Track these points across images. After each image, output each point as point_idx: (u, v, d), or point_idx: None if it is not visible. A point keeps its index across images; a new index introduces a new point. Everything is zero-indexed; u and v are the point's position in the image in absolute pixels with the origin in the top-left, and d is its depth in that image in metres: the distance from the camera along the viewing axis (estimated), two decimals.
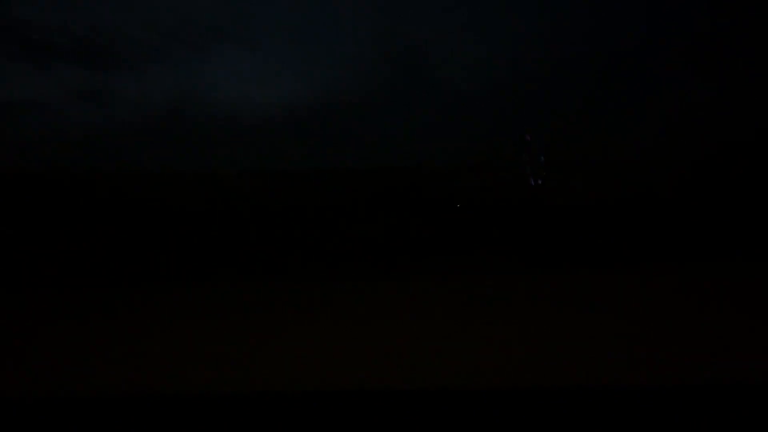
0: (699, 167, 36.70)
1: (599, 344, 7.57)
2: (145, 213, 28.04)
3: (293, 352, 7.57)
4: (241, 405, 2.33)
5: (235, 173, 38.41)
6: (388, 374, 6.15)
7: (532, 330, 8.68)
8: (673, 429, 1.98)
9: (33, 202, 27.02)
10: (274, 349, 7.81)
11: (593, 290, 12.68)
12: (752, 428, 1.92)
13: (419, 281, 14.68)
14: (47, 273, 17.88)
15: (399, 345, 7.91)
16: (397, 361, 6.90)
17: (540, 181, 55.63)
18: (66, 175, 33.00)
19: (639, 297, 11.48)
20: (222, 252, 24.79)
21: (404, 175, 40.63)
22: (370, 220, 30.64)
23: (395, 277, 15.85)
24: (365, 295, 12.99)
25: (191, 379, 6.05)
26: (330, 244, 23.62)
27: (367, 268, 17.36)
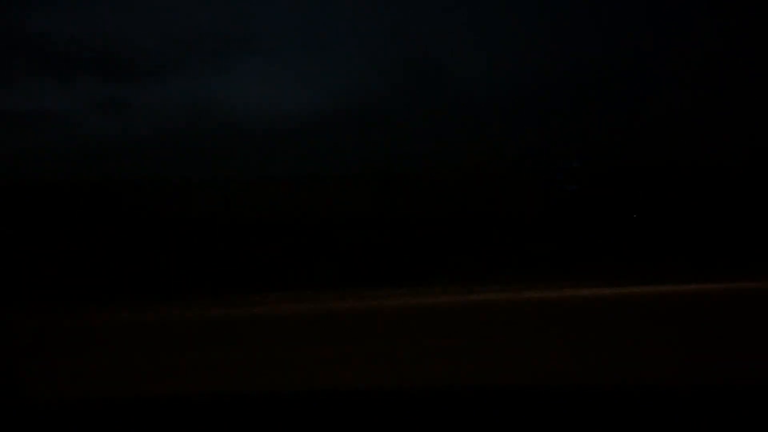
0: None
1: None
2: (163, 221, 27.85)
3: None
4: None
5: (253, 181, 38.19)
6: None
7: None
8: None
9: (53, 212, 27.04)
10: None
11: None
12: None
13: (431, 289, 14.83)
14: (62, 282, 17.34)
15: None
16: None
17: (575, 188, 54.73)
18: (86, 184, 33.09)
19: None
20: (238, 261, 24.50)
21: (419, 180, 40.09)
22: (378, 227, 30.26)
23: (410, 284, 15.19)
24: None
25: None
26: (339, 251, 23.06)
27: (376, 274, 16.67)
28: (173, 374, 6.79)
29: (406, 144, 49.42)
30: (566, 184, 52.61)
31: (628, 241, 25.74)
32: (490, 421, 1.91)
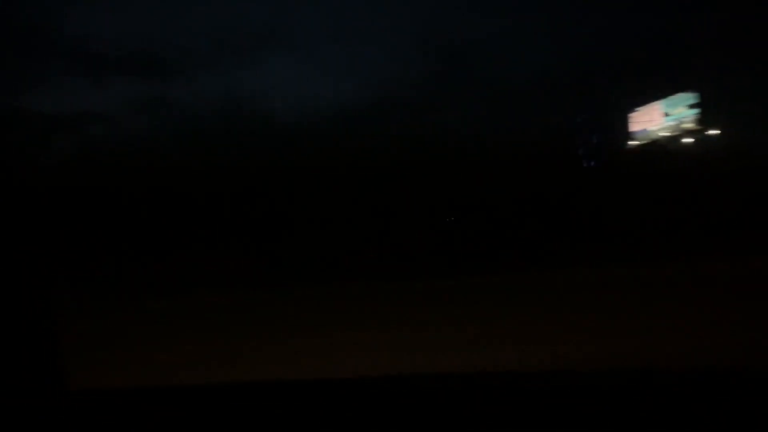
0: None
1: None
2: (201, 212, 28.13)
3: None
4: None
5: (286, 172, 38.18)
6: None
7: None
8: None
9: (98, 211, 27.36)
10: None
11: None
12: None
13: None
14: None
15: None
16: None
17: (593, 163, 53.84)
18: (128, 180, 33.39)
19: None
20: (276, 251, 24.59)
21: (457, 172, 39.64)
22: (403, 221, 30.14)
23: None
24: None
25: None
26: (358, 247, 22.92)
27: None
28: None
29: (437, 133, 49.16)
30: (587, 160, 51.76)
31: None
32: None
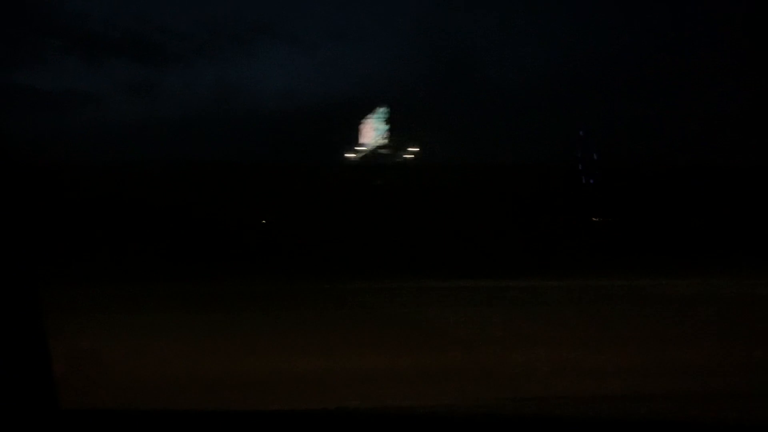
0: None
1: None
2: (190, 201, 27.88)
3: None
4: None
5: (278, 164, 38.12)
6: None
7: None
8: None
9: (86, 190, 27.21)
10: None
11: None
12: None
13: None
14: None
15: None
16: None
17: (592, 180, 54.07)
18: (115, 164, 33.32)
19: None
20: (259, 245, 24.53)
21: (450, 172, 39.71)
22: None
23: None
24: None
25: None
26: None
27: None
28: None
29: (429, 134, 49.40)
30: (586, 176, 52.07)
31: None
32: None
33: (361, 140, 47.79)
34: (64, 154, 44.87)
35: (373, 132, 47.18)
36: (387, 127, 46.56)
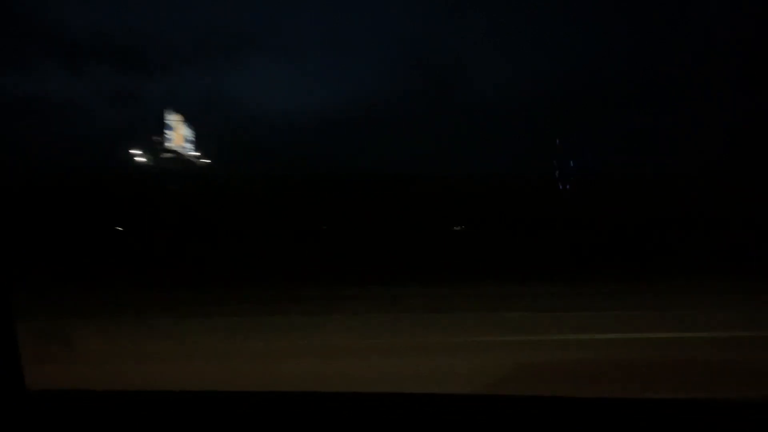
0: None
1: None
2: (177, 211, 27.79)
3: None
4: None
5: (261, 176, 38.03)
6: None
7: None
8: None
9: (64, 201, 26.95)
10: None
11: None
12: None
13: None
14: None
15: None
16: None
17: (568, 186, 54.81)
18: (96, 174, 33.00)
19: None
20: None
21: (433, 183, 39.87)
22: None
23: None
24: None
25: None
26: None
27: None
28: None
29: (417, 146, 49.58)
30: (562, 183, 52.81)
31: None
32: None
33: (168, 144, 46.41)
34: (46, 162, 44.35)
35: (178, 137, 46.00)
36: (191, 132, 45.89)
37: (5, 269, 1.97)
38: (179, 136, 46.27)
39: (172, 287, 13.80)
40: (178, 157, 45.70)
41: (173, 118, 45.81)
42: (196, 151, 46.43)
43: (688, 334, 7.82)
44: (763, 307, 9.86)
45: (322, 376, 5.68)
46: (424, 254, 22.19)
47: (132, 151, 44.40)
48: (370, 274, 16.20)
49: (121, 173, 39.55)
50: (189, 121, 47.14)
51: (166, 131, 45.51)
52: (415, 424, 1.87)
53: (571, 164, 56.22)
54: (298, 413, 1.95)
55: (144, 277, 15.65)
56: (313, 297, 12.12)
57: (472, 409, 2.02)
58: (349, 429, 1.83)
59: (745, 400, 2.14)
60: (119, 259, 20.26)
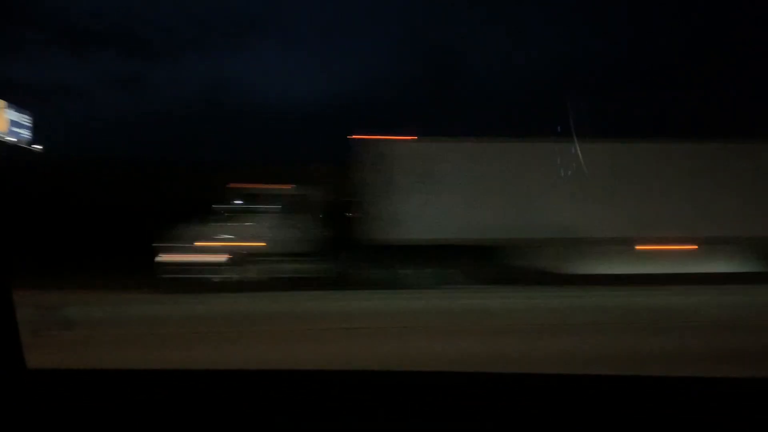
0: None
1: None
2: (174, 200, 27.60)
3: None
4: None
5: (265, 162, 37.72)
6: None
7: None
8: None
9: (68, 186, 26.75)
10: None
11: None
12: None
13: None
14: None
15: None
16: None
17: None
18: (100, 160, 32.79)
19: None
20: None
21: None
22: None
23: None
24: None
25: None
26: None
27: None
28: None
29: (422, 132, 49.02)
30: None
31: None
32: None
33: None
34: (52, 150, 43.67)
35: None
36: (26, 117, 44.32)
37: (4, 253, 2.01)
38: (1, 121, 44.52)
39: None
40: None
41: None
42: (32, 136, 44.76)
43: None
44: None
45: None
46: None
47: None
48: None
49: None
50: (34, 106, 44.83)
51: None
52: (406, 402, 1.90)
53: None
54: (288, 391, 1.98)
55: None
56: None
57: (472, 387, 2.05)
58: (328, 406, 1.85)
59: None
60: None
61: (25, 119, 44.46)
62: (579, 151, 17.10)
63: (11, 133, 43.71)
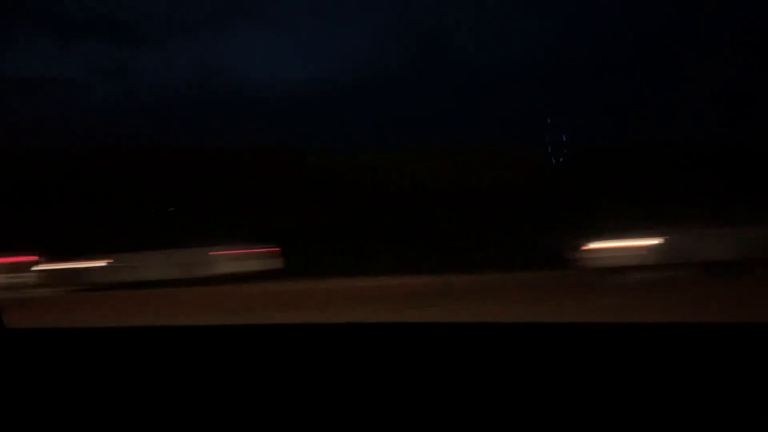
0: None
1: None
2: (170, 187, 27.40)
3: None
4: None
5: (257, 149, 37.49)
6: None
7: None
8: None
9: (55, 179, 26.60)
10: None
11: None
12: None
13: None
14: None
15: None
16: None
17: (561, 160, 54.27)
18: (89, 151, 32.54)
19: None
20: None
21: (425, 156, 39.47)
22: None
23: None
24: None
25: None
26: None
27: None
28: None
29: (410, 116, 48.33)
30: (554, 158, 52.43)
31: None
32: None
33: None
34: (40, 142, 43.14)
35: None
36: None
37: None
38: None
39: None
40: None
41: None
42: None
43: None
44: None
45: None
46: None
47: None
48: None
49: None
50: None
51: None
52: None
53: (564, 138, 55.51)
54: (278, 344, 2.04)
55: None
56: None
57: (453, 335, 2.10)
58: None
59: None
60: None
61: None
62: None
63: None
